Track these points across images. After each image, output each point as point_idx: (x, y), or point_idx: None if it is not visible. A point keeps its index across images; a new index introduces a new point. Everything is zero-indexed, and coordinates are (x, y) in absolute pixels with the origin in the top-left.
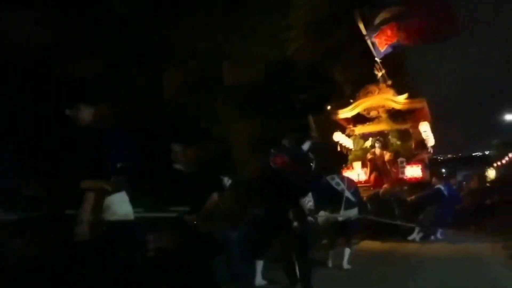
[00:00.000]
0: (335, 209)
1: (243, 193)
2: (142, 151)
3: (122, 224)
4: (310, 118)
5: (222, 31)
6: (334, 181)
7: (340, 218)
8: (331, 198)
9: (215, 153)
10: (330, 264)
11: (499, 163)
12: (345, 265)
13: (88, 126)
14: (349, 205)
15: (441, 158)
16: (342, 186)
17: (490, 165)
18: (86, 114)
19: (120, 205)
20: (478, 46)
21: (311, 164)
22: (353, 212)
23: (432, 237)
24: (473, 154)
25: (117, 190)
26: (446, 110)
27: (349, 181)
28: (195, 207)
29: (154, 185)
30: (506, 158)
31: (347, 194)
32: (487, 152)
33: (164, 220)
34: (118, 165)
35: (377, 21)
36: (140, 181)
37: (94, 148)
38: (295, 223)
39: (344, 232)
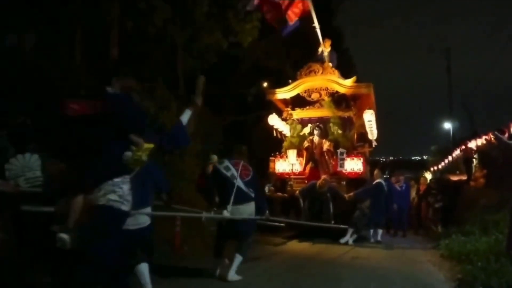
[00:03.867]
0: (224, 202)
1: None
2: None
3: None
4: (200, 80)
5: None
6: (222, 165)
7: (226, 214)
8: (219, 188)
9: None
10: (217, 274)
11: (435, 167)
12: (231, 275)
13: None
14: (242, 198)
15: (383, 159)
16: (232, 172)
17: (427, 169)
18: None
19: None
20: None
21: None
22: (248, 209)
23: (372, 240)
24: (413, 158)
25: None
26: (389, 113)
27: (245, 168)
28: None
29: None
30: (442, 164)
31: (239, 183)
32: (425, 157)
33: None
34: None
35: None
36: None
37: None
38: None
39: (234, 233)
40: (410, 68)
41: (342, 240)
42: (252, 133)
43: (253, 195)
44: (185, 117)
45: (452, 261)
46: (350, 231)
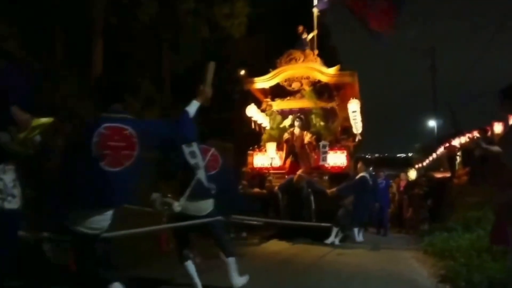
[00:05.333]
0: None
1: None
2: None
3: None
4: (210, 66)
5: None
6: (189, 149)
7: (177, 208)
8: (181, 174)
9: None
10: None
11: (420, 165)
12: (236, 282)
13: None
14: (199, 193)
15: (369, 156)
16: (197, 160)
17: (412, 166)
18: None
19: None
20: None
21: None
22: (204, 206)
23: (357, 238)
24: (397, 155)
25: None
26: (374, 112)
27: (214, 159)
28: None
29: None
30: (426, 161)
31: (201, 175)
32: (410, 154)
33: None
34: None
35: None
36: None
37: None
38: None
39: (196, 228)
40: (396, 66)
41: (327, 241)
42: (239, 129)
43: (213, 191)
44: (192, 108)
45: (435, 258)
46: (335, 230)
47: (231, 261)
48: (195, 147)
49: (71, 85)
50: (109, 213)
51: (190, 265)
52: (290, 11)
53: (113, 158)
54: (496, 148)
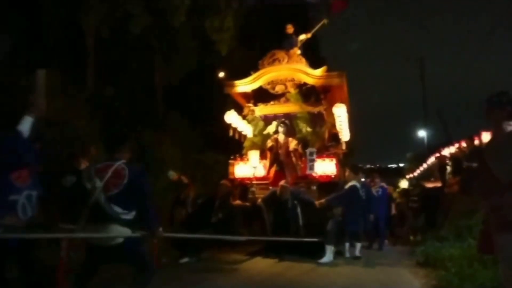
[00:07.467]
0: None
1: None
2: None
3: None
4: (39, 74)
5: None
6: (86, 174)
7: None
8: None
9: None
10: None
11: (411, 175)
12: None
13: None
14: (102, 217)
15: (360, 166)
16: (94, 183)
17: (403, 176)
18: None
19: None
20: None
21: None
22: (112, 232)
23: (347, 254)
24: (389, 165)
25: None
26: (366, 121)
27: (117, 174)
28: None
29: None
30: (418, 171)
31: (99, 197)
32: (401, 165)
33: None
34: None
35: None
36: None
37: None
38: None
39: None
40: (386, 76)
41: (322, 261)
42: (231, 140)
43: (125, 215)
44: (25, 126)
45: (428, 268)
46: (329, 248)
47: None
48: (92, 169)
49: (65, 98)
50: None
51: None
52: (285, 20)
53: None
54: (475, 165)
